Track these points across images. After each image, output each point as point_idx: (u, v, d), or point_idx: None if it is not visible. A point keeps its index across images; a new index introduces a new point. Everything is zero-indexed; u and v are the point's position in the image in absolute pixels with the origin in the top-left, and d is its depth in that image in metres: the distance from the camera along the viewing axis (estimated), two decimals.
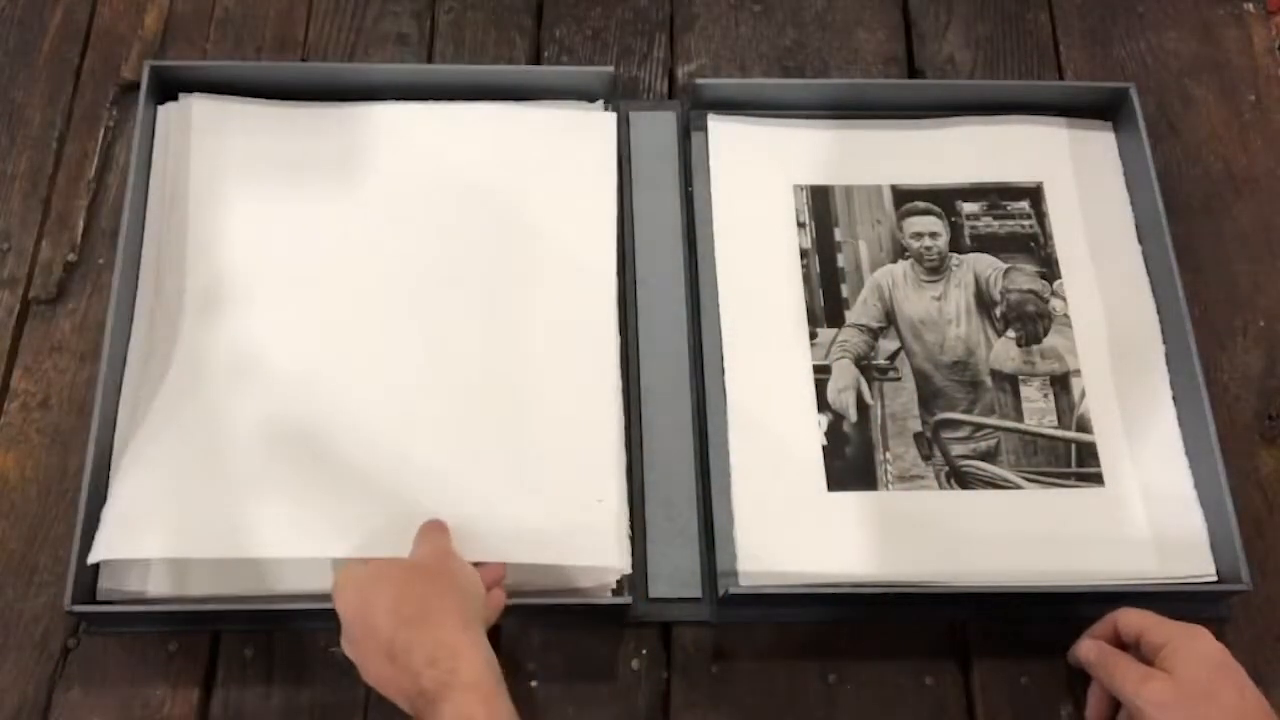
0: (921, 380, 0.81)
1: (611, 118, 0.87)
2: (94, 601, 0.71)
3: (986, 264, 0.84)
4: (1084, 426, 0.79)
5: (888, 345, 0.82)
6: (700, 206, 0.85)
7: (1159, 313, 0.83)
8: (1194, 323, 0.80)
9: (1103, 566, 0.75)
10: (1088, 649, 0.70)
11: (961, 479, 0.78)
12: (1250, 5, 0.97)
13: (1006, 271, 0.84)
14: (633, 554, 0.74)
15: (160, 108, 0.85)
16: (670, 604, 0.75)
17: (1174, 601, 0.76)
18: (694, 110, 0.88)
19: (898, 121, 0.89)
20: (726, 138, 0.87)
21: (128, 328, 0.78)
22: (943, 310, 0.83)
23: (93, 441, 0.73)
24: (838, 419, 0.79)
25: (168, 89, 0.86)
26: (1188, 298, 0.81)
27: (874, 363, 0.81)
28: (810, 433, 0.78)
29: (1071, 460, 0.79)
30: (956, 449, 0.79)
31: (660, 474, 0.77)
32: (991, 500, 0.77)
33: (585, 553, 0.73)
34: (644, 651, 0.74)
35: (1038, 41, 0.95)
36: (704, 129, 0.87)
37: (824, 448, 0.78)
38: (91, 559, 0.70)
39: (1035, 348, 0.82)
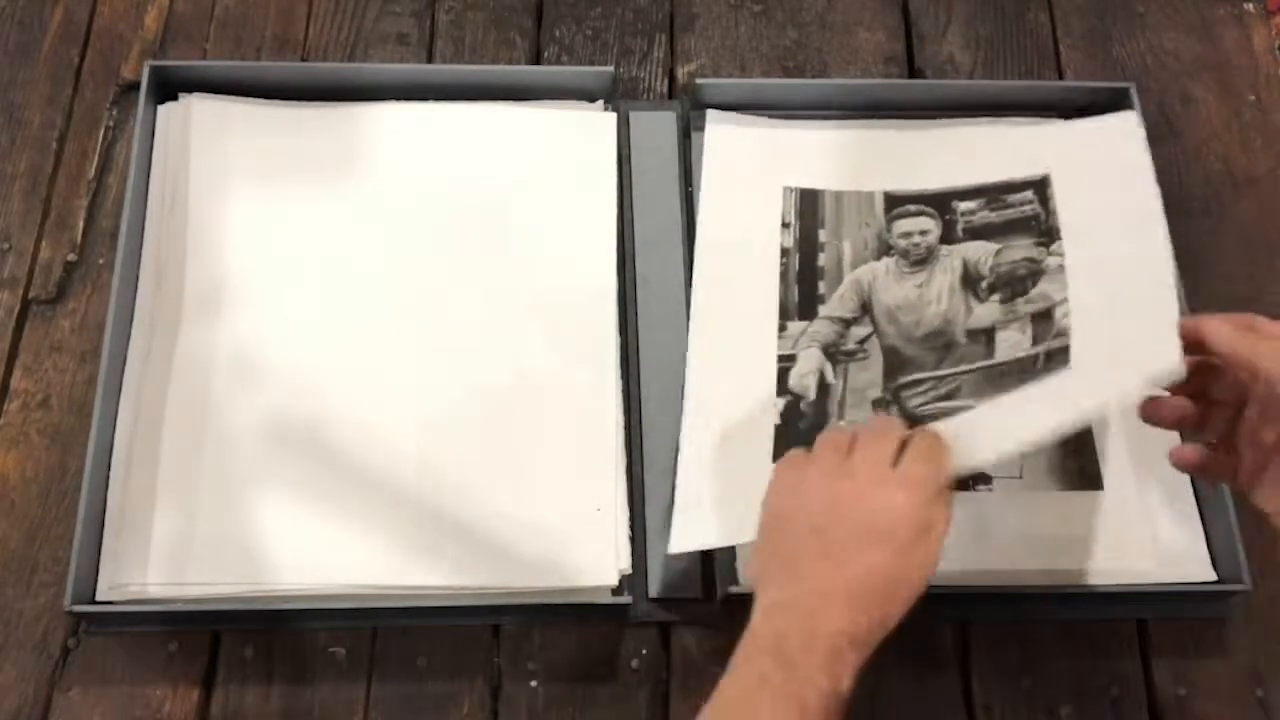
0: (890, 355, 0.80)
1: (611, 118, 0.87)
2: (94, 601, 0.71)
3: (977, 248, 0.83)
4: (1061, 333, 0.77)
5: (860, 331, 0.81)
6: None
7: None
8: None
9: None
10: (1216, 326, 0.61)
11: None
12: (1250, 5, 0.97)
13: (998, 251, 0.83)
14: (633, 554, 0.74)
15: (160, 108, 0.85)
16: (670, 604, 0.75)
17: (1174, 601, 0.76)
18: (694, 110, 0.88)
19: (897, 122, 0.89)
20: (723, 137, 0.86)
21: (128, 328, 0.78)
22: (923, 295, 0.82)
23: (93, 441, 0.73)
24: (795, 400, 0.78)
25: (168, 89, 0.86)
26: (1188, 298, 0.81)
27: (843, 349, 0.80)
28: (766, 415, 0.78)
29: (1040, 365, 0.77)
30: (915, 402, 0.78)
31: (660, 474, 0.77)
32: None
33: (586, 573, 0.73)
34: (644, 651, 0.74)
35: (1038, 41, 0.95)
36: (704, 129, 0.87)
37: (776, 427, 0.77)
38: (107, 594, 0.72)
39: (1020, 300, 0.80)
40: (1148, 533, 0.76)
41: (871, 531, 0.58)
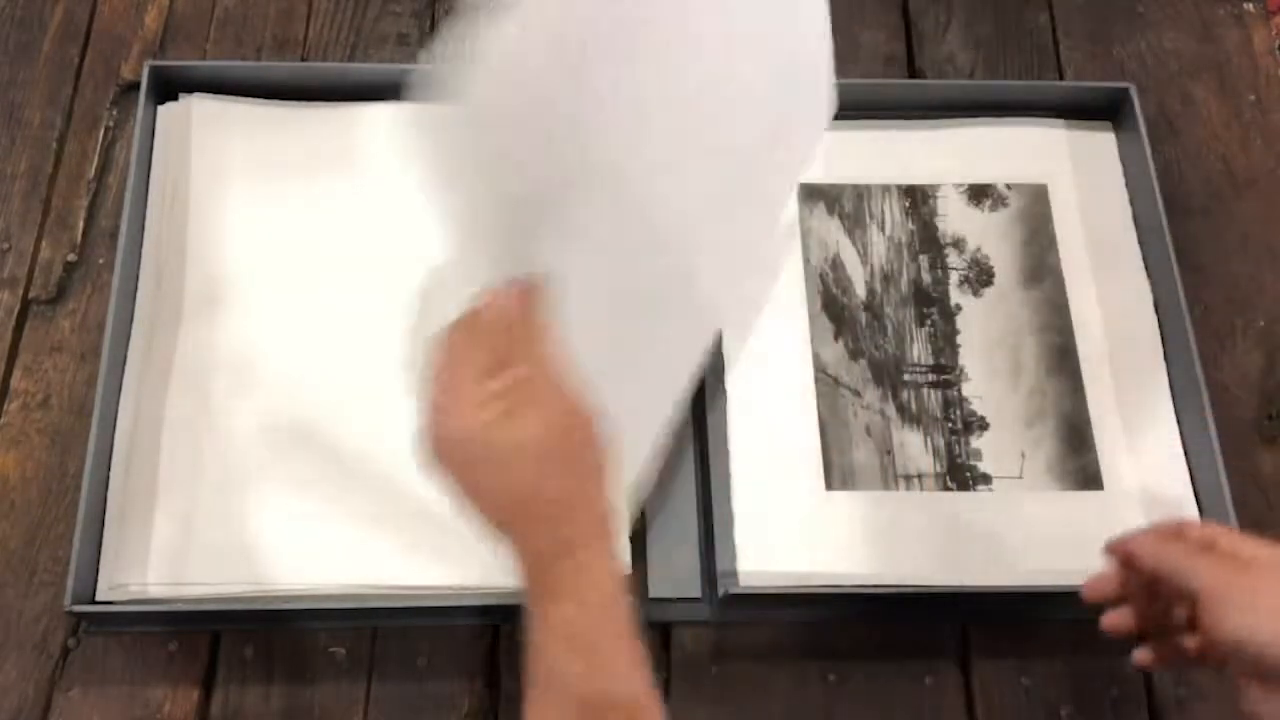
0: None
1: None
2: (94, 601, 0.71)
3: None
4: None
5: None
6: None
7: (1159, 313, 0.83)
8: (1194, 323, 0.80)
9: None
10: (1141, 542, 0.61)
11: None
12: (1250, 5, 0.97)
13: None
14: (633, 554, 0.74)
15: (160, 108, 0.85)
16: (670, 604, 0.74)
17: None
18: None
19: (897, 122, 0.89)
20: None
21: (128, 328, 0.78)
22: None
23: (93, 441, 0.73)
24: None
25: (168, 89, 0.86)
26: (1188, 298, 0.81)
27: None
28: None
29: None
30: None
31: (660, 474, 0.77)
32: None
33: None
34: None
35: (1037, 41, 0.95)
36: None
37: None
38: (107, 594, 0.72)
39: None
40: None
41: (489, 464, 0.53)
